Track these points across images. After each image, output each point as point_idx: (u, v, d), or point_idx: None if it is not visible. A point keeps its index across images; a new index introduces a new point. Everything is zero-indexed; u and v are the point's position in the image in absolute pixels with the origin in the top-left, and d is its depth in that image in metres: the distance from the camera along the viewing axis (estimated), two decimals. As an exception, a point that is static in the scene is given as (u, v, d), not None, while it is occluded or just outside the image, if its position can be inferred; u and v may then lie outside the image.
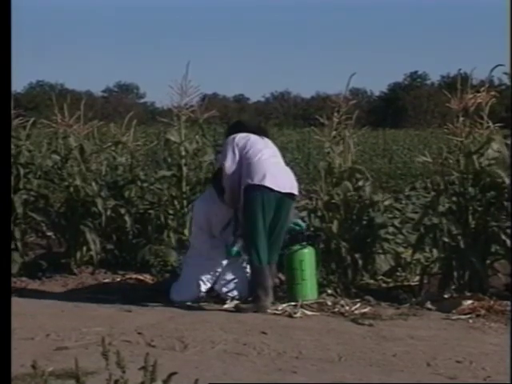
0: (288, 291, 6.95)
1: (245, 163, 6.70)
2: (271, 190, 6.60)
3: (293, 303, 6.69)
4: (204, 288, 6.89)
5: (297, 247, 6.97)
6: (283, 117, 66.66)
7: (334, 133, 7.57)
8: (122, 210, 8.47)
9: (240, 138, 6.85)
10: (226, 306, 6.74)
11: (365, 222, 7.50)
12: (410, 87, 73.67)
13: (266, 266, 6.68)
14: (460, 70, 7.34)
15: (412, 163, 23.46)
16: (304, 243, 7.01)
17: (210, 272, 6.89)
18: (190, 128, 8.66)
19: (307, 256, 6.90)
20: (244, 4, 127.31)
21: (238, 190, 6.75)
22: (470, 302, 6.57)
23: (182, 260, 7.57)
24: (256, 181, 6.59)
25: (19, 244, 8.21)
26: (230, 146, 6.82)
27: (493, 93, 7.15)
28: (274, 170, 6.70)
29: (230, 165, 6.75)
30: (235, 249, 6.86)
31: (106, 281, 7.86)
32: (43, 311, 6.69)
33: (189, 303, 6.84)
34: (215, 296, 6.98)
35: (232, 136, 6.91)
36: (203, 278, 6.88)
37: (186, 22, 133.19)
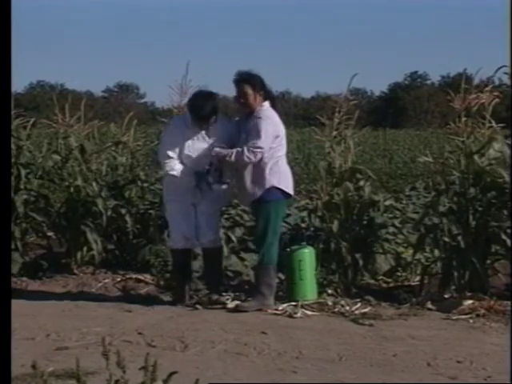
0: (286, 291, 6.95)
1: (273, 158, 6.65)
2: (291, 196, 6.88)
3: (293, 303, 6.69)
4: (186, 239, 6.89)
5: (296, 247, 6.97)
6: (284, 117, 66.36)
7: (334, 133, 7.56)
8: (123, 210, 8.47)
9: (281, 127, 6.78)
10: (228, 306, 6.73)
11: (365, 222, 7.49)
12: (410, 87, 73.69)
13: (275, 266, 6.72)
14: (465, 69, 7.34)
15: (412, 163, 23.45)
16: (304, 243, 7.02)
17: (187, 222, 6.87)
18: (190, 128, 8.63)
19: (306, 256, 6.90)
20: (244, 4, 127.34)
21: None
22: (470, 301, 6.56)
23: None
24: (283, 186, 6.69)
25: (20, 244, 8.21)
26: (272, 132, 6.62)
27: (496, 93, 7.14)
28: (290, 175, 6.86)
29: (266, 149, 6.56)
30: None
31: (107, 281, 7.85)
32: (43, 311, 6.69)
33: (188, 303, 6.85)
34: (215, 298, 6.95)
35: (275, 119, 6.73)
36: (184, 229, 6.88)
37: (186, 22, 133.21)
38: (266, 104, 6.73)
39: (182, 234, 6.87)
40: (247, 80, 6.70)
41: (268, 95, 6.77)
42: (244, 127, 6.70)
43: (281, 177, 6.69)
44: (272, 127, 6.64)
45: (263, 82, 6.75)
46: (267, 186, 6.61)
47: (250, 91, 6.66)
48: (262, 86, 6.71)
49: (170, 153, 6.83)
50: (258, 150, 6.53)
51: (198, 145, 6.82)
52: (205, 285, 7.11)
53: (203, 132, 6.81)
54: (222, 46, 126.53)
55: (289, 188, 6.75)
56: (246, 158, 6.55)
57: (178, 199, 6.87)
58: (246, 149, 6.54)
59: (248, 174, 6.64)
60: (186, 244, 6.93)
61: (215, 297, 6.86)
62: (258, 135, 6.55)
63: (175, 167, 6.82)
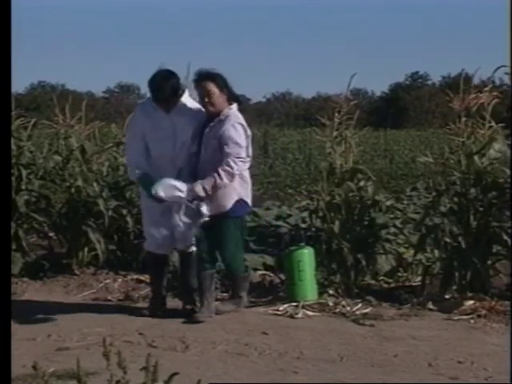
0: (287, 291, 6.95)
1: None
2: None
3: (294, 304, 6.68)
4: (158, 245, 6.53)
5: (295, 248, 6.96)
6: (284, 117, 66.76)
7: (335, 133, 7.55)
8: (124, 211, 8.47)
9: (248, 133, 6.39)
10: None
11: (366, 223, 7.49)
12: (411, 87, 73.71)
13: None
14: (463, 70, 7.33)
15: (413, 163, 23.48)
16: (302, 244, 7.01)
17: (160, 229, 6.47)
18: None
19: (306, 257, 6.88)
20: (244, 4, 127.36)
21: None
22: (471, 302, 6.56)
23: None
24: (248, 201, 6.44)
25: (21, 244, 8.21)
26: (245, 141, 6.25)
27: (495, 93, 7.15)
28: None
29: (247, 159, 6.23)
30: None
31: (108, 281, 7.85)
32: (44, 312, 6.68)
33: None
34: None
35: (245, 126, 6.32)
36: (156, 236, 6.51)
37: (187, 23, 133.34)
38: (234, 107, 6.33)
39: (155, 240, 6.54)
40: (211, 78, 6.28)
41: (232, 96, 6.35)
42: (213, 130, 6.22)
43: (248, 189, 6.43)
44: (244, 137, 6.27)
45: (226, 81, 6.33)
46: (237, 197, 6.29)
47: (214, 89, 6.23)
48: (225, 85, 6.29)
49: (134, 143, 6.46)
50: (242, 160, 6.19)
51: (163, 125, 6.33)
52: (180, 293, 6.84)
53: (166, 113, 6.34)
54: (223, 47, 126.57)
55: (250, 203, 6.51)
56: (236, 172, 6.15)
57: (151, 205, 6.39)
58: (231, 161, 6.12)
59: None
60: (158, 249, 6.58)
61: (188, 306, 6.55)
62: (237, 144, 6.17)
63: (136, 170, 6.44)
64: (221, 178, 6.11)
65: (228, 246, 6.45)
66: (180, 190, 6.13)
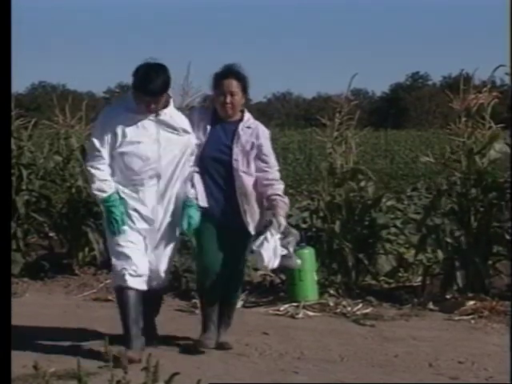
0: (287, 292, 6.93)
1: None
2: None
3: (295, 304, 6.68)
4: (130, 277, 5.23)
5: (296, 248, 6.94)
6: (285, 117, 66.75)
7: (335, 133, 7.56)
8: (124, 211, 8.46)
9: None
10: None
11: (367, 223, 7.49)
12: (411, 88, 73.71)
13: None
14: (463, 70, 7.33)
15: (414, 164, 23.51)
16: (303, 244, 7.00)
17: (137, 255, 5.28)
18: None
19: (306, 257, 6.86)
20: (245, 4, 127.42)
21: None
22: (472, 302, 6.56)
23: (183, 261, 7.57)
24: None
25: (21, 244, 8.21)
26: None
27: (495, 93, 7.15)
28: None
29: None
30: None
31: (108, 281, 7.84)
32: (45, 312, 6.68)
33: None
34: None
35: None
36: (127, 265, 5.24)
37: (187, 22, 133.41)
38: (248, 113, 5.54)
39: (128, 271, 5.24)
40: (239, 77, 5.39)
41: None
42: (243, 138, 5.40)
43: None
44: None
45: (248, 86, 5.48)
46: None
47: (238, 90, 5.37)
48: (247, 89, 5.45)
49: (99, 145, 5.21)
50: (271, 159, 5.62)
51: (143, 132, 5.22)
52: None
53: (152, 116, 5.21)
54: (224, 47, 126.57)
55: None
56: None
57: (132, 226, 5.30)
58: (281, 183, 5.68)
59: (255, 201, 5.60)
60: (135, 283, 5.26)
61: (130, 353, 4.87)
62: (275, 164, 5.64)
63: (105, 186, 5.25)
64: (286, 204, 5.71)
65: (240, 262, 5.65)
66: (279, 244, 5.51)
